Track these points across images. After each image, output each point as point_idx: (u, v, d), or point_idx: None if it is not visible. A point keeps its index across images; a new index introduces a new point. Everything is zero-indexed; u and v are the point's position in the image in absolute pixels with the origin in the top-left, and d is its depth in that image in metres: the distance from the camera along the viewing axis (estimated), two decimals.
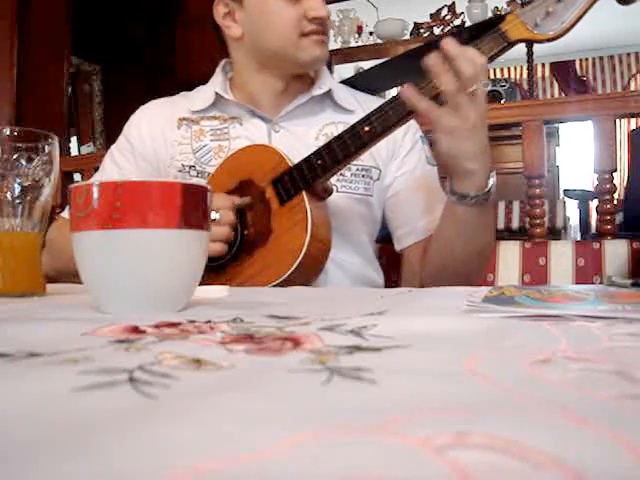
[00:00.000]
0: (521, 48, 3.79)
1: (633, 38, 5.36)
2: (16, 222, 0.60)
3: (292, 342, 0.28)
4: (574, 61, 5.86)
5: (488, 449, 0.13)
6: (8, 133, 0.60)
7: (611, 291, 0.52)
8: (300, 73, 0.99)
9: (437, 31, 3.46)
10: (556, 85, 5.93)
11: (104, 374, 0.21)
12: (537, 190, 1.23)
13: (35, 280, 0.60)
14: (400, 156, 1.01)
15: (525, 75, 4.85)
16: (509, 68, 5.83)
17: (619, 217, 2.46)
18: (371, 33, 3.79)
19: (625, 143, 3.83)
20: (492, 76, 5.30)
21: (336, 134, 0.92)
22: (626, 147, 3.49)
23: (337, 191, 0.94)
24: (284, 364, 0.23)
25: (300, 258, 0.80)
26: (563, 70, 5.87)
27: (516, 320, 0.35)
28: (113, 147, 1.08)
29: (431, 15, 3.53)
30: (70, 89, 3.07)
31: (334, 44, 3.77)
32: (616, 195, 1.23)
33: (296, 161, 0.86)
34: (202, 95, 1.03)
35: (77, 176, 1.76)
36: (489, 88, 3.64)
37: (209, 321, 0.35)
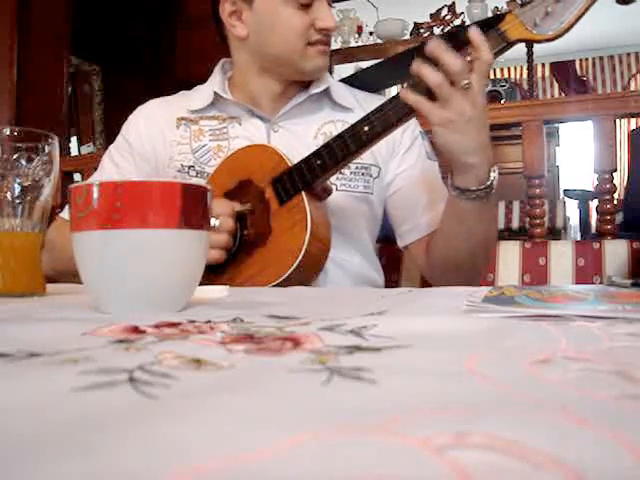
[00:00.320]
0: (521, 48, 3.79)
1: (633, 38, 5.36)
2: (16, 222, 0.60)
3: (292, 342, 0.28)
4: (574, 61, 5.87)
5: (488, 449, 0.13)
6: (8, 133, 0.60)
7: (611, 291, 0.52)
8: (299, 80, 0.99)
9: (437, 31, 3.46)
10: (556, 85, 5.93)
11: (104, 374, 0.21)
12: (537, 190, 1.23)
13: (35, 280, 0.60)
14: (400, 153, 1.02)
15: (525, 75, 4.85)
16: (509, 68, 5.84)
17: (619, 217, 2.46)
18: (371, 33, 3.79)
19: (625, 143, 3.83)
20: (492, 76, 5.30)
21: (335, 132, 0.92)
22: (626, 147, 3.49)
23: (337, 189, 0.94)
24: (284, 364, 0.23)
25: (300, 258, 0.80)
26: (563, 70, 5.87)
27: (516, 320, 0.35)
28: (112, 147, 1.08)
29: (431, 15, 3.53)
30: (70, 89, 3.07)
31: (334, 44, 3.77)
32: (616, 195, 1.23)
33: (295, 161, 0.86)
34: (201, 95, 1.03)
35: (77, 176, 1.76)
36: (489, 88, 3.64)
37: (209, 321, 0.35)
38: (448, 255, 0.91)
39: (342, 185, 0.97)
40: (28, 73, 2.57)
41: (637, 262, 1.05)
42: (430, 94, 0.76)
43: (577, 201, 3.40)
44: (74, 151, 3.38)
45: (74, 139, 3.49)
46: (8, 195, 0.59)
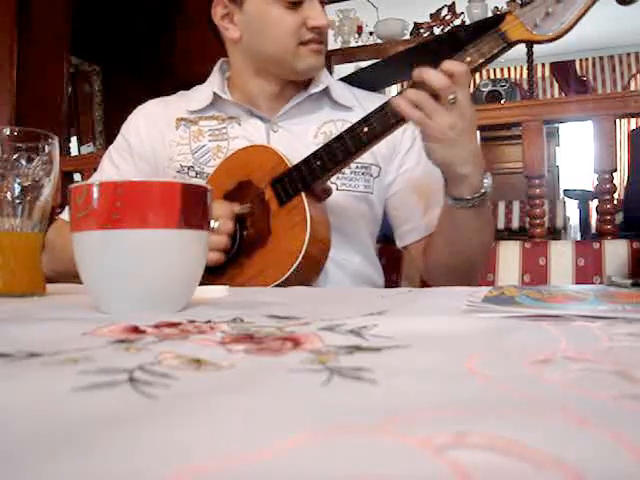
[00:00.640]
0: (521, 48, 3.79)
1: (633, 38, 5.36)
2: (16, 222, 0.60)
3: (292, 342, 0.28)
4: (574, 61, 5.86)
5: (488, 449, 0.13)
6: (8, 133, 0.60)
7: (611, 291, 0.52)
8: (295, 79, 0.99)
9: (437, 31, 3.46)
10: (556, 85, 5.93)
11: (104, 374, 0.21)
12: (537, 190, 1.23)
13: (35, 280, 0.60)
14: (401, 153, 1.02)
15: (525, 75, 4.85)
16: (509, 68, 5.84)
17: (619, 217, 2.46)
18: (371, 33, 3.78)
19: (625, 143, 3.83)
20: (492, 76, 5.31)
21: (335, 131, 0.91)
22: (626, 147, 3.49)
23: (337, 189, 0.94)
24: (284, 364, 0.23)
25: (299, 259, 0.80)
26: (563, 70, 5.87)
27: (516, 320, 0.35)
28: (111, 147, 1.08)
29: (431, 15, 3.53)
30: (70, 89, 3.07)
31: (334, 44, 3.77)
32: (616, 195, 1.23)
33: (295, 160, 0.86)
34: (200, 95, 1.03)
35: (77, 176, 1.76)
36: (489, 88, 3.64)
37: (209, 321, 0.35)
38: (446, 259, 0.91)
39: (342, 185, 0.97)
40: (28, 73, 2.57)
41: (637, 262, 1.05)
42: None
43: (577, 201, 3.40)
44: (74, 151, 3.38)
45: (74, 139, 3.48)
46: (8, 195, 0.59)
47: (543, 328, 0.31)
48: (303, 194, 0.83)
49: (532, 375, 0.21)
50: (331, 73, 1.06)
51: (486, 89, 3.64)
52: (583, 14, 0.76)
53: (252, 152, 0.92)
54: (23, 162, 0.59)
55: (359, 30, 3.88)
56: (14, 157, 0.59)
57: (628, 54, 5.75)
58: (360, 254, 1.01)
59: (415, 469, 0.12)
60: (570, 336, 0.29)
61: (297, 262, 0.80)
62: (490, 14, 3.30)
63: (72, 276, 0.54)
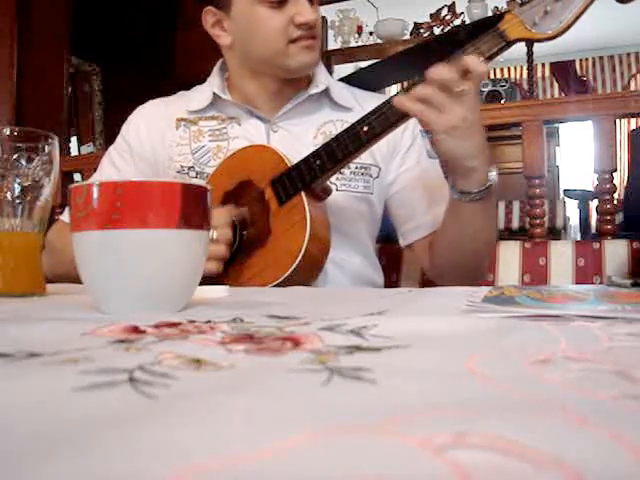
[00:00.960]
0: (521, 48, 3.79)
1: (633, 38, 5.36)
2: (16, 222, 0.60)
3: (292, 342, 0.28)
4: (574, 61, 5.86)
5: (488, 449, 0.13)
6: (8, 133, 0.60)
7: (611, 291, 0.52)
8: (292, 78, 0.99)
9: (437, 31, 3.46)
10: (556, 85, 5.93)
11: (104, 374, 0.21)
12: (537, 190, 1.23)
13: (35, 280, 0.60)
14: (401, 152, 1.02)
15: (525, 75, 4.85)
16: (509, 68, 5.84)
17: (619, 217, 2.46)
18: (371, 33, 3.79)
19: (625, 143, 3.83)
20: (492, 76, 5.30)
21: (335, 132, 0.91)
22: (626, 147, 3.49)
23: (337, 189, 0.94)
24: (284, 364, 0.23)
25: (299, 259, 0.80)
26: (563, 70, 5.87)
27: (516, 320, 0.35)
28: (111, 148, 1.08)
29: (431, 15, 3.53)
30: (70, 89, 3.06)
31: (334, 44, 3.77)
32: (616, 195, 1.23)
33: (295, 161, 0.86)
34: (200, 95, 1.03)
35: (77, 176, 1.76)
36: (489, 88, 3.64)
37: (209, 321, 0.35)
38: (453, 256, 0.91)
39: (342, 185, 0.97)
40: (28, 73, 2.57)
41: (637, 262, 1.05)
42: (425, 102, 0.77)
43: (577, 201, 3.40)
44: (74, 151, 3.38)
45: (74, 139, 3.49)
46: (8, 195, 0.59)
47: (543, 328, 0.31)
48: (303, 194, 0.83)
49: (532, 375, 0.21)
50: (331, 73, 1.06)
51: (486, 89, 3.64)
52: (582, 12, 0.76)
53: (252, 152, 0.92)
54: (23, 162, 0.59)
55: (359, 30, 3.88)
56: (14, 157, 0.59)
57: (628, 54, 5.75)
58: (360, 254, 1.01)
59: (415, 469, 0.12)
60: (570, 336, 0.29)
61: (297, 262, 0.80)
62: (490, 14, 3.30)
63: (72, 279, 0.54)
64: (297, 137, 0.98)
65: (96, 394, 0.19)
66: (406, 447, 0.14)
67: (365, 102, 1.00)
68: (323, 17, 3.48)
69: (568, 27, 0.76)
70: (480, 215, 0.85)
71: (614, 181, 1.20)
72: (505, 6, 3.26)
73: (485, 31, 0.78)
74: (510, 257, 1.13)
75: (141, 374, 0.21)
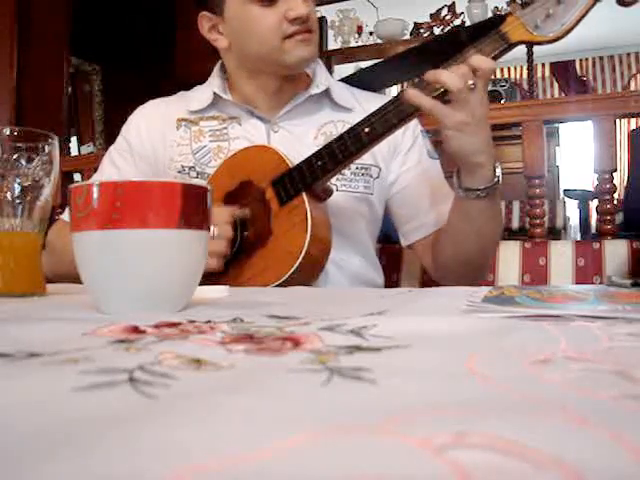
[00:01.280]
0: (521, 48, 3.78)
1: (633, 38, 5.36)
2: (16, 222, 0.60)
3: (292, 342, 0.28)
4: (574, 61, 5.86)
5: (488, 449, 0.13)
6: (8, 133, 0.60)
7: (611, 291, 0.52)
8: (292, 74, 0.99)
9: (437, 31, 3.46)
10: (556, 85, 5.92)
11: (104, 374, 0.21)
12: (537, 190, 1.23)
13: (35, 280, 0.60)
14: (402, 153, 1.02)
15: (525, 75, 4.85)
16: (509, 68, 5.83)
17: (619, 217, 2.46)
18: (371, 33, 3.79)
19: (625, 143, 3.83)
20: (492, 76, 5.29)
21: (335, 132, 0.91)
22: (626, 147, 3.49)
23: (337, 190, 0.94)
24: (284, 364, 0.23)
25: (300, 259, 0.80)
26: (563, 70, 5.86)
27: (516, 320, 0.35)
28: (112, 148, 1.08)
29: (431, 15, 3.53)
30: (70, 89, 3.07)
31: (334, 44, 3.77)
32: (616, 195, 1.23)
33: (296, 161, 0.86)
34: (200, 95, 1.03)
35: (77, 176, 1.76)
36: (489, 88, 3.64)
37: (209, 321, 0.35)
38: (457, 254, 0.91)
39: (342, 186, 0.97)
40: (28, 73, 2.57)
41: (637, 262, 1.05)
42: (437, 98, 0.77)
43: (577, 201, 3.40)
44: (74, 151, 3.38)
45: (74, 139, 3.49)
46: (8, 195, 0.59)
47: (543, 328, 0.31)
48: (304, 194, 0.83)
49: (532, 375, 0.21)
50: (331, 73, 1.06)
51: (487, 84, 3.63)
52: (584, 15, 0.76)
53: (253, 152, 0.92)
54: (23, 162, 0.59)
55: (359, 30, 3.88)
56: (14, 157, 0.59)
57: (628, 54, 5.75)
58: (360, 255, 1.01)
59: (415, 469, 0.12)
60: (570, 336, 0.29)
61: (297, 262, 0.80)
62: (490, 14, 3.30)
63: (72, 278, 0.53)
64: (298, 137, 0.98)
65: (96, 394, 0.19)
66: (406, 447, 0.14)
67: (366, 102, 1.00)
68: (323, 17, 3.49)
69: (570, 30, 0.77)
70: (486, 212, 0.85)
71: (614, 181, 1.20)
72: (505, 6, 3.26)
73: (487, 33, 0.78)
74: (510, 257, 1.13)
75: (141, 374, 0.21)
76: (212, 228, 0.76)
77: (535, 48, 3.93)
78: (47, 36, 2.70)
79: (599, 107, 1.19)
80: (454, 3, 3.50)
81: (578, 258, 1.09)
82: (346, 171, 0.97)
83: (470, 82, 0.75)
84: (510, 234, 3.18)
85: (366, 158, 0.97)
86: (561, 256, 1.10)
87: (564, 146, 4.60)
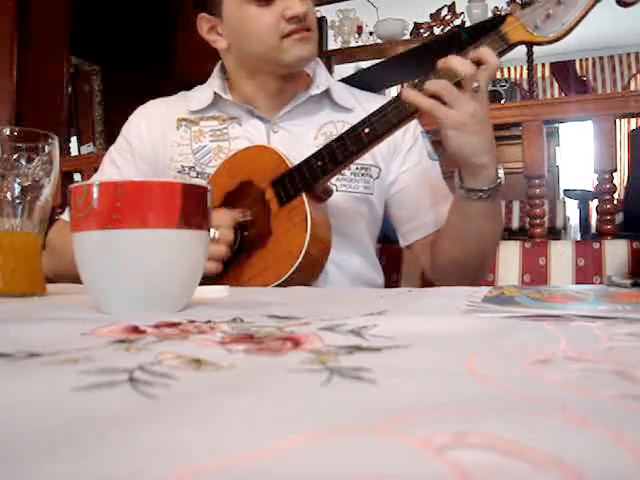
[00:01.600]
0: (521, 48, 3.78)
1: (633, 38, 5.35)
2: (16, 222, 0.60)
3: (292, 342, 0.28)
4: (574, 61, 5.86)
5: (488, 449, 0.13)
6: (8, 133, 0.60)
7: (611, 291, 0.52)
8: (292, 73, 0.99)
9: (437, 31, 3.46)
10: (556, 85, 5.92)
11: (104, 374, 0.21)
12: (537, 190, 1.23)
13: (35, 280, 0.60)
14: (402, 153, 1.02)
15: (525, 75, 4.85)
16: (509, 68, 5.83)
17: (619, 217, 2.46)
18: (371, 33, 3.79)
19: (625, 143, 3.83)
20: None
21: (335, 133, 0.91)
22: (626, 147, 3.49)
23: (337, 190, 0.94)
24: (284, 364, 0.23)
25: (300, 259, 0.80)
26: (563, 70, 5.86)
27: (516, 320, 0.35)
28: (112, 148, 1.08)
29: (431, 15, 3.53)
30: (70, 89, 3.07)
31: (334, 44, 3.77)
32: (616, 195, 1.23)
33: (296, 161, 0.86)
34: (201, 95, 1.03)
35: (77, 176, 1.76)
36: (489, 88, 3.64)
37: (209, 321, 0.35)
38: (456, 255, 0.91)
39: (342, 186, 0.97)
40: (28, 73, 2.57)
41: (637, 262, 1.05)
42: (435, 97, 0.77)
43: (577, 201, 3.40)
44: (74, 151, 3.38)
45: (74, 139, 3.49)
46: (8, 195, 0.59)
47: (543, 328, 0.31)
48: (304, 194, 0.83)
49: (532, 375, 0.21)
50: (331, 73, 1.07)
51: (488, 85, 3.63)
52: (584, 16, 0.76)
53: (253, 152, 0.92)
54: (23, 162, 0.59)
55: (359, 30, 3.88)
56: (14, 157, 0.59)
57: (628, 54, 5.75)
58: (360, 255, 1.01)
59: (415, 469, 0.12)
60: (570, 336, 0.29)
61: (297, 262, 0.80)
62: (490, 14, 3.30)
63: (72, 278, 0.53)
64: (298, 138, 0.98)
65: (96, 394, 0.19)
66: (406, 447, 0.14)
67: (366, 103, 1.00)
68: (323, 17, 3.49)
69: (569, 30, 0.77)
70: (486, 213, 0.85)
71: (614, 181, 1.20)
72: (505, 7, 3.26)
73: (486, 33, 0.78)
74: (510, 257, 1.13)
75: (141, 374, 0.21)
76: (212, 231, 0.76)
77: (535, 48, 3.93)
78: (47, 36, 2.70)
79: (599, 107, 1.19)
80: (454, 3, 3.50)
81: (578, 258, 1.09)
82: (346, 171, 0.97)
83: (475, 84, 0.75)
84: (510, 234, 3.18)
85: (366, 158, 0.97)
86: (561, 256, 1.10)
87: (564, 146, 4.60)
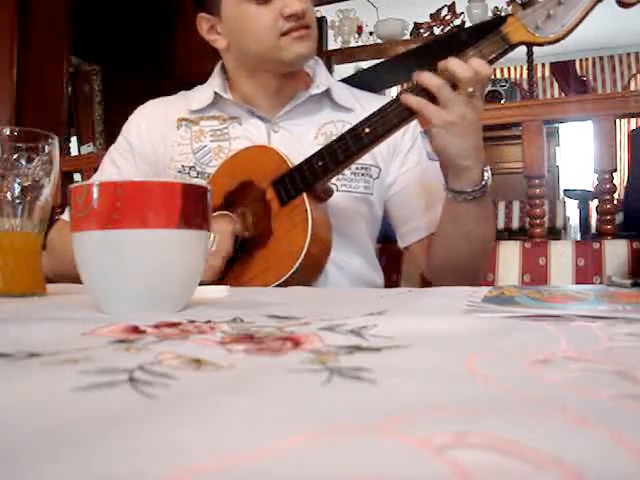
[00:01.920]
0: (521, 48, 3.77)
1: (633, 38, 5.36)
2: (16, 222, 0.60)
3: (292, 342, 0.28)
4: (574, 61, 5.86)
5: (488, 449, 0.13)
6: (8, 133, 0.60)
7: (611, 291, 0.52)
8: (292, 72, 0.99)
9: (437, 31, 3.46)
10: (556, 85, 5.93)
11: (104, 374, 0.21)
12: (537, 190, 1.23)
13: (35, 280, 0.60)
14: (401, 154, 1.02)
15: (525, 75, 4.85)
16: (509, 68, 5.84)
17: (619, 217, 2.46)
18: (371, 33, 3.79)
19: (625, 143, 3.83)
20: (492, 76, 5.30)
21: (335, 133, 0.91)
22: (626, 147, 3.49)
23: (337, 190, 0.94)
24: (284, 364, 0.23)
25: (300, 260, 0.80)
26: (563, 70, 5.87)
27: (516, 320, 0.35)
28: (112, 148, 1.08)
29: (431, 15, 3.53)
30: (70, 89, 3.06)
31: (334, 44, 3.77)
32: (616, 195, 1.23)
33: (296, 161, 0.86)
34: (201, 95, 1.03)
35: (77, 176, 1.76)
36: (489, 88, 3.64)
37: (209, 321, 0.35)
38: (448, 257, 0.91)
39: (342, 186, 0.97)
40: (28, 73, 2.57)
41: (637, 262, 1.05)
42: (431, 98, 0.77)
43: (577, 201, 3.40)
44: (74, 151, 3.38)
45: (74, 139, 3.49)
46: (8, 195, 0.59)
47: (543, 328, 0.31)
48: (304, 194, 0.83)
49: (532, 375, 0.21)
50: (331, 73, 1.07)
51: (486, 89, 3.64)
52: (584, 16, 0.76)
53: (253, 152, 0.92)
54: (23, 162, 0.59)
55: (359, 30, 3.88)
56: (14, 157, 0.59)
57: (628, 54, 5.75)
58: (360, 255, 1.01)
59: (415, 469, 0.12)
60: (570, 336, 0.29)
61: (298, 262, 0.80)
62: (490, 14, 3.30)
63: (72, 278, 0.54)
64: (298, 137, 0.98)
65: (96, 394, 0.19)
66: (406, 447, 0.14)
67: (366, 103, 1.00)
68: (323, 17, 3.49)
69: (570, 31, 0.77)
70: (475, 215, 0.85)
71: (614, 181, 1.20)
72: (505, 7, 3.26)
73: (487, 34, 0.78)
74: (510, 257, 1.13)
75: (141, 374, 0.21)
76: (212, 236, 0.76)
77: (535, 48, 3.93)
78: (47, 36, 2.69)
79: (599, 107, 1.19)
80: (454, 3, 3.50)
81: (578, 258, 1.09)
82: (346, 171, 0.96)
83: (470, 89, 0.76)
84: (510, 234, 3.19)
85: (366, 158, 0.97)
86: (561, 256, 1.10)
87: (564, 146, 4.60)
